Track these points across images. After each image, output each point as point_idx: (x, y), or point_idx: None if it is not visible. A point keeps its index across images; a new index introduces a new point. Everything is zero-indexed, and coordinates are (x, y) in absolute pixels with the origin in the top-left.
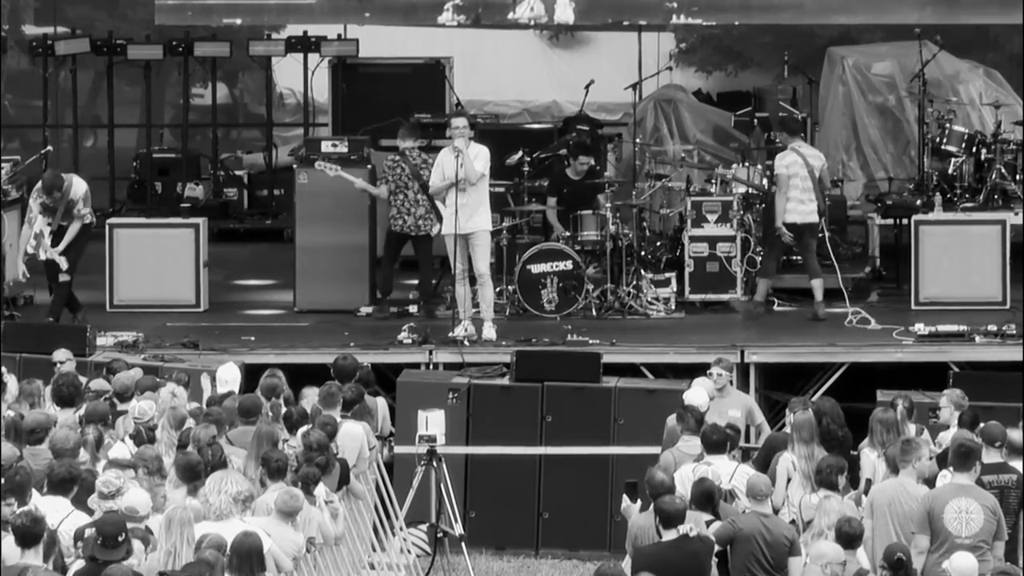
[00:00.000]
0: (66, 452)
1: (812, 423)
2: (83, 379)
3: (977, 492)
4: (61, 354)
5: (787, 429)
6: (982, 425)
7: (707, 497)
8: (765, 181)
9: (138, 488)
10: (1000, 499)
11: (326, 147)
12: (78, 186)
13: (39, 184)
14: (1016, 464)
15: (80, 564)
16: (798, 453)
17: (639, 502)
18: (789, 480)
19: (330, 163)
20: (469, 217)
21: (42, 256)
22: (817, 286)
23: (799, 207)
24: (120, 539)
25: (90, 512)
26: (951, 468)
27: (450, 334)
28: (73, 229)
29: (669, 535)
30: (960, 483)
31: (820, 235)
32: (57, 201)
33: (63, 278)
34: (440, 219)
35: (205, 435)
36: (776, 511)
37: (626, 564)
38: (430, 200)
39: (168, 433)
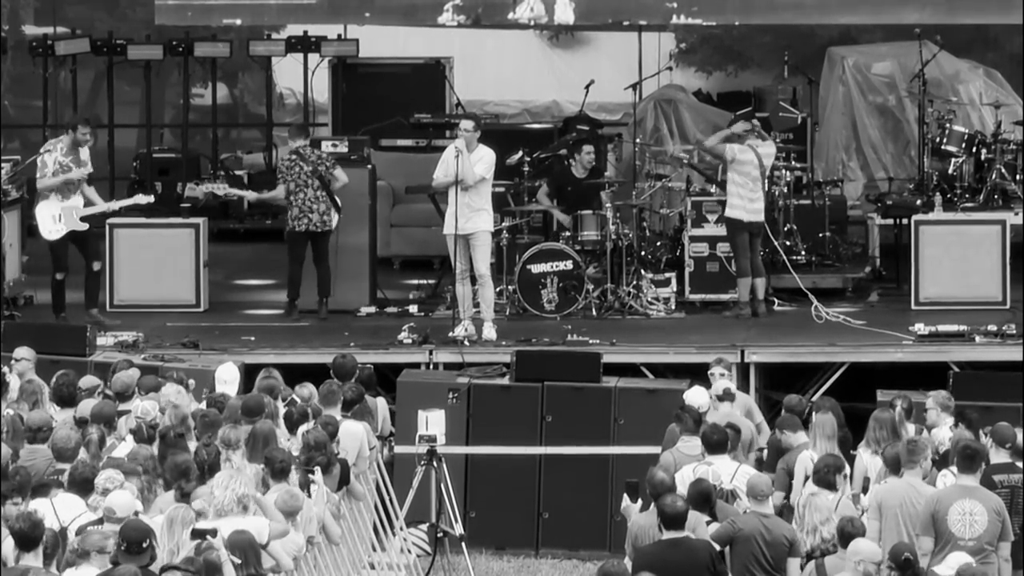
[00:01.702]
0: (67, 452)
1: (834, 423)
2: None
3: (982, 494)
4: (20, 351)
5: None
6: (992, 426)
7: (704, 498)
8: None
9: (121, 490)
10: (1010, 498)
11: (326, 147)
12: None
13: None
14: (1020, 465)
15: (83, 565)
16: (819, 451)
17: (639, 502)
18: (807, 478)
19: (216, 184)
20: (468, 218)
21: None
22: (760, 284)
23: (748, 205)
24: (144, 545)
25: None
26: (953, 469)
27: (450, 334)
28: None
29: (670, 535)
30: (965, 485)
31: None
32: (84, 140)
33: (59, 276)
34: (339, 210)
35: (235, 436)
36: (793, 508)
37: (626, 564)
38: (329, 195)
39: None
